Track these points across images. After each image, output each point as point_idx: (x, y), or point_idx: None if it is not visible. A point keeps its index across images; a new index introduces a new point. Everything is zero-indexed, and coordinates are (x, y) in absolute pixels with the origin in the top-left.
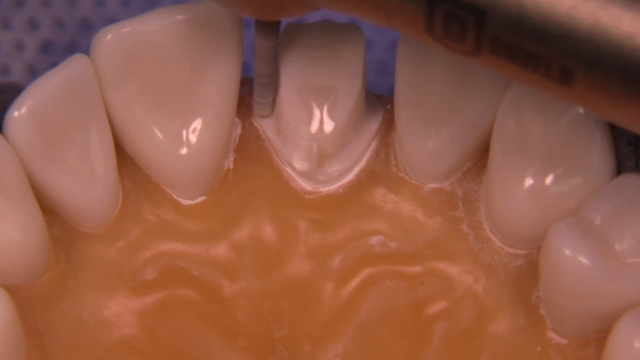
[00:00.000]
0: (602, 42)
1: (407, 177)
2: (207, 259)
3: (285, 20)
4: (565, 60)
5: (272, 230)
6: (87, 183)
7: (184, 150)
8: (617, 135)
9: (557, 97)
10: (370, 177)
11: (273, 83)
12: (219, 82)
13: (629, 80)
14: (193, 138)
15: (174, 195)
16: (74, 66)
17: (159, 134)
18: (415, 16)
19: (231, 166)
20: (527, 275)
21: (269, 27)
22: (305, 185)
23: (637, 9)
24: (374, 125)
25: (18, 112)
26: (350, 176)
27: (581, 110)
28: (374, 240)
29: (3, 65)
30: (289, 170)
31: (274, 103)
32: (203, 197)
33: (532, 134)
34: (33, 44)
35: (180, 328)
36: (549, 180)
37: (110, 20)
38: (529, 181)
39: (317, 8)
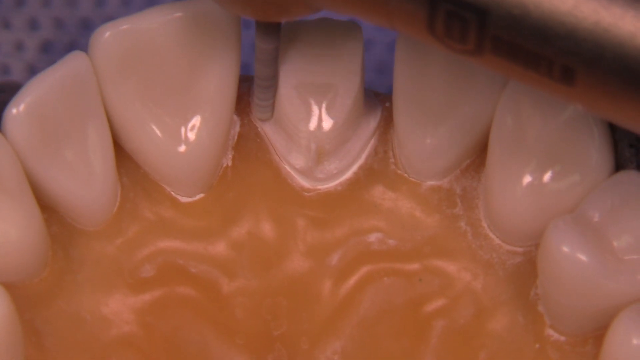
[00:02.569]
0: (604, 41)
1: (406, 175)
2: (206, 256)
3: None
4: (567, 60)
5: (271, 228)
6: (85, 180)
7: (182, 148)
8: (618, 138)
9: (558, 96)
10: (369, 174)
11: (273, 85)
12: (218, 79)
13: (630, 80)
14: (191, 135)
15: (173, 193)
16: (72, 64)
17: (157, 132)
18: (417, 16)
19: (230, 164)
20: (525, 273)
21: (270, 29)
22: (303, 182)
23: (639, 8)
24: (372, 123)
25: (16, 110)
26: (348, 174)
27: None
28: (373, 237)
29: (3, 65)
30: (287, 167)
31: (274, 106)
32: (201, 195)
33: (531, 132)
34: (33, 44)
35: (178, 325)
36: (547, 177)
37: (110, 20)
38: (527, 178)
39: (319, 9)
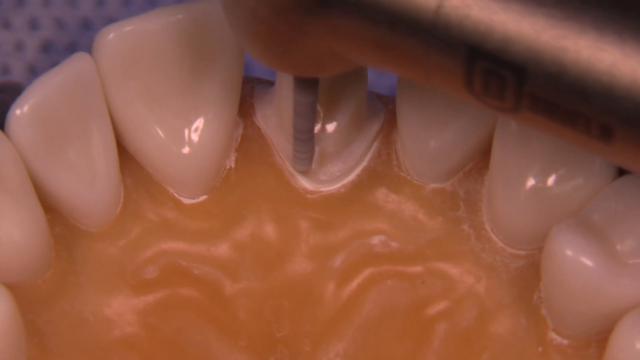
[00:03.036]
0: None
1: (409, 177)
2: (209, 258)
3: None
4: (605, 118)
5: (274, 230)
6: (88, 182)
7: (185, 150)
8: None
9: (596, 153)
10: (372, 177)
11: (312, 138)
12: (221, 81)
13: None
14: (195, 137)
15: (176, 194)
16: (76, 65)
17: (160, 133)
18: (454, 74)
19: (233, 165)
20: (528, 276)
21: (308, 84)
22: (306, 184)
23: None
24: (375, 125)
25: (20, 111)
26: (351, 176)
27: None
28: (376, 240)
29: (3, 65)
30: (290, 169)
31: (312, 158)
32: (205, 196)
33: (534, 135)
34: (33, 44)
35: (181, 327)
36: (551, 181)
37: (111, 20)
38: (530, 182)
39: (356, 66)
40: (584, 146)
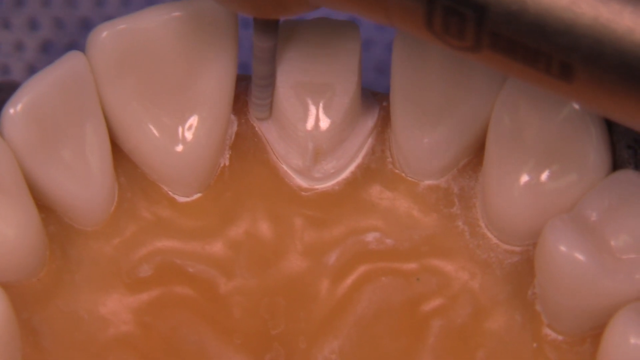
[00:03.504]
0: (603, 37)
1: (403, 174)
2: (203, 256)
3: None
4: (566, 56)
5: (268, 227)
6: (83, 180)
7: (179, 148)
8: (616, 139)
9: (557, 93)
10: (366, 174)
11: (271, 84)
12: (215, 79)
13: (629, 76)
14: (189, 135)
15: (170, 193)
16: (69, 63)
17: (154, 131)
18: (415, 12)
19: (227, 163)
20: (523, 272)
21: (268, 27)
22: (301, 182)
23: (637, 4)
24: (370, 122)
25: (14, 110)
26: (346, 173)
27: (578, 106)
28: (370, 237)
29: (3, 65)
30: (285, 167)
31: (272, 105)
32: (199, 194)
33: (528, 131)
34: (33, 44)
35: (176, 325)
36: (544, 176)
37: (110, 20)
38: (524, 178)
39: (317, 7)
40: (544, 86)
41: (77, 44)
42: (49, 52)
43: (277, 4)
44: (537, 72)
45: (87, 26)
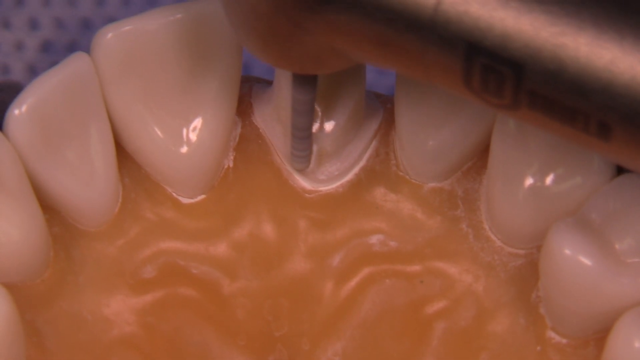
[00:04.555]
0: None
1: (407, 177)
2: (207, 257)
3: None
4: (604, 115)
5: (272, 229)
6: (87, 181)
7: (184, 149)
8: None
9: (595, 150)
10: (370, 176)
11: (310, 136)
12: (219, 80)
13: None
14: (193, 136)
15: (174, 194)
16: (74, 65)
17: (159, 133)
18: (453, 70)
19: (231, 165)
20: (527, 275)
21: (307, 81)
22: (305, 184)
23: None
24: (374, 124)
25: (19, 111)
26: (350, 175)
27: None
28: (374, 239)
29: (3, 65)
30: (289, 169)
31: (311, 156)
32: (203, 196)
33: (533, 134)
34: (33, 44)
35: (180, 326)
36: (549, 180)
37: (111, 20)
38: (529, 181)
39: (355, 62)
40: (582, 144)
41: (77, 43)
42: (49, 52)
43: (315, 61)
44: (575, 130)
45: (87, 26)
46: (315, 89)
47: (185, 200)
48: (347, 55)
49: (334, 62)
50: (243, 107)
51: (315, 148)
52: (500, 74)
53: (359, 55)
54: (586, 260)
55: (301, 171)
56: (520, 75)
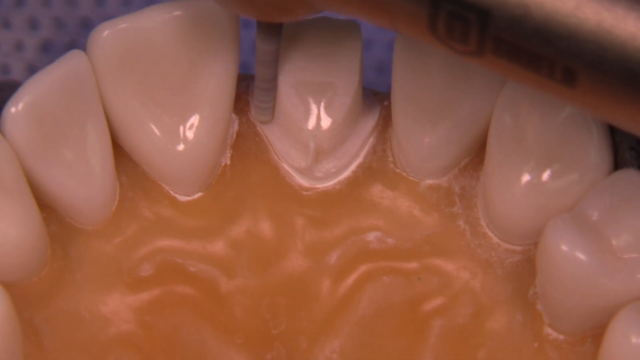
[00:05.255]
0: (606, 43)
1: (404, 174)
2: (204, 255)
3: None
4: (569, 61)
5: (269, 227)
6: (84, 179)
7: (181, 147)
8: (619, 141)
9: (560, 98)
10: (368, 173)
11: (274, 87)
12: (216, 78)
13: (632, 82)
14: (190, 134)
15: (171, 192)
16: (71, 62)
17: (156, 130)
18: (418, 16)
19: (228, 162)
20: (524, 271)
21: (271, 30)
22: (302, 181)
23: None
24: (371, 121)
25: (15, 108)
26: (347, 172)
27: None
28: (371, 236)
29: (3, 64)
30: (286, 166)
31: (274, 108)
32: (200, 194)
33: (529, 130)
34: (33, 44)
35: (177, 324)
36: (545, 176)
37: (111, 19)
38: (526, 177)
39: (320, 10)
40: (547, 91)
41: (77, 43)
42: (49, 52)
43: (280, 7)
44: (540, 77)
45: (87, 26)
46: (279, 39)
47: (182, 198)
48: (312, 3)
49: (299, 9)
50: (240, 105)
51: (312, 145)
52: (466, 20)
53: (323, 3)
54: (583, 257)
55: (265, 123)
56: (485, 21)
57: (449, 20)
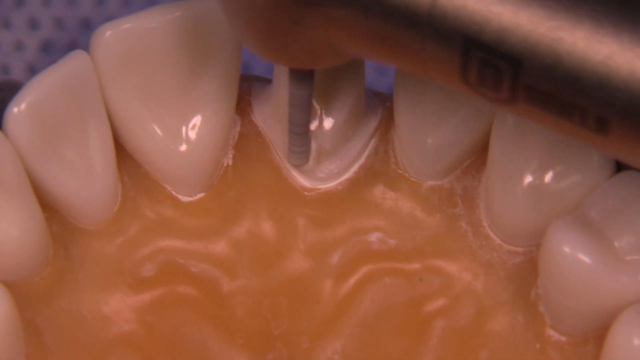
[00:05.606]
0: (638, 92)
1: (406, 175)
2: (206, 255)
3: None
4: (601, 110)
5: (271, 227)
6: (86, 179)
7: (183, 147)
8: None
9: (592, 145)
10: (370, 174)
11: (308, 132)
12: (218, 78)
13: None
14: (192, 135)
15: (173, 192)
16: (73, 63)
17: (158, 131)
18: (450, 64)
19: (230, 163)
20: (526, 273)
21: (304, 76)
22: (304, 182)
23: None
24: (373, 122)
25: (17, 109)
26: (349, 173)
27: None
28: (373, 237)
29: (3, 65)
30: (288, 167)
31: (309, 152)
32: (202, 194)
33: (532, 131)
34: (33, 44)
35: (179, 325)
36: (548, 177)
37: (111, 19)
38: (528, 178)
39: (352, 57)
40: (580, 138)
41: (77, 43)
42: (49, 52)
43: (313, 56)
44: (573, 125)
45: (87, 26)
46: (312, 84)
47: (184, 199)
48: (345, 50)
49: (332, 56)
50: (242, 105)
51: (314, 146)
52: (498, 69)
53: (356, 50)
54: (585, 258)
55: (299, 167)
56: (517, 69)
57: (480, 68)
